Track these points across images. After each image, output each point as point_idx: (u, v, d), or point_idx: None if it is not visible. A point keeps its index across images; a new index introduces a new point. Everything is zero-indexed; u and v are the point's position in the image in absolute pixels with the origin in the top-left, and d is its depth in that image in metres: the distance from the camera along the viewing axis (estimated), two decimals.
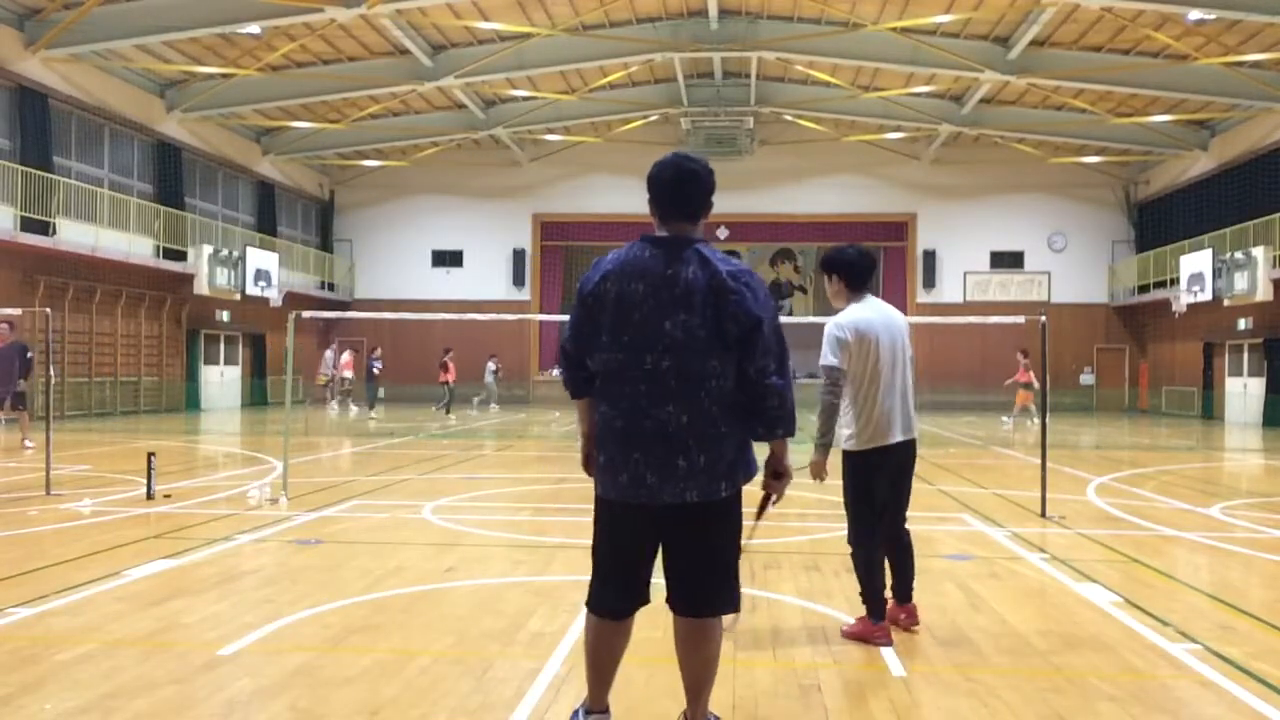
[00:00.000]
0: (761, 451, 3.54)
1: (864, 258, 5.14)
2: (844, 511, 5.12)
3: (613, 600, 3.51)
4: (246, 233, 29.52)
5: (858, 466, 5.03)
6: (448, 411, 25.60)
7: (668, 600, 3.51)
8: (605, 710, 3.61)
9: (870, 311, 5.02)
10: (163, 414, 25.07)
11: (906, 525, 5.30)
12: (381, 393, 26.69)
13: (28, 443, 14.85)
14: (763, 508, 3.68)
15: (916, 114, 29.28)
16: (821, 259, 5.24)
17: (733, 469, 3.40)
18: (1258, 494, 11.53)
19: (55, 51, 21.52)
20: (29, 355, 15.13)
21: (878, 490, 5.02)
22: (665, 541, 3.47)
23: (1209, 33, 22.08)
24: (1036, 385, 23.93)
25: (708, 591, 3.46)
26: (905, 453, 5.05)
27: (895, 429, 4.97)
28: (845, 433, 5.02)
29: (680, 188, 3.46)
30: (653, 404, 3.33)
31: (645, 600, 3.55)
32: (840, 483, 5.16)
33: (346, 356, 27.67)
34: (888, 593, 5.11)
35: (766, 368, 3.35)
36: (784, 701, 4.11)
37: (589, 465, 3.63)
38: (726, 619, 3.62)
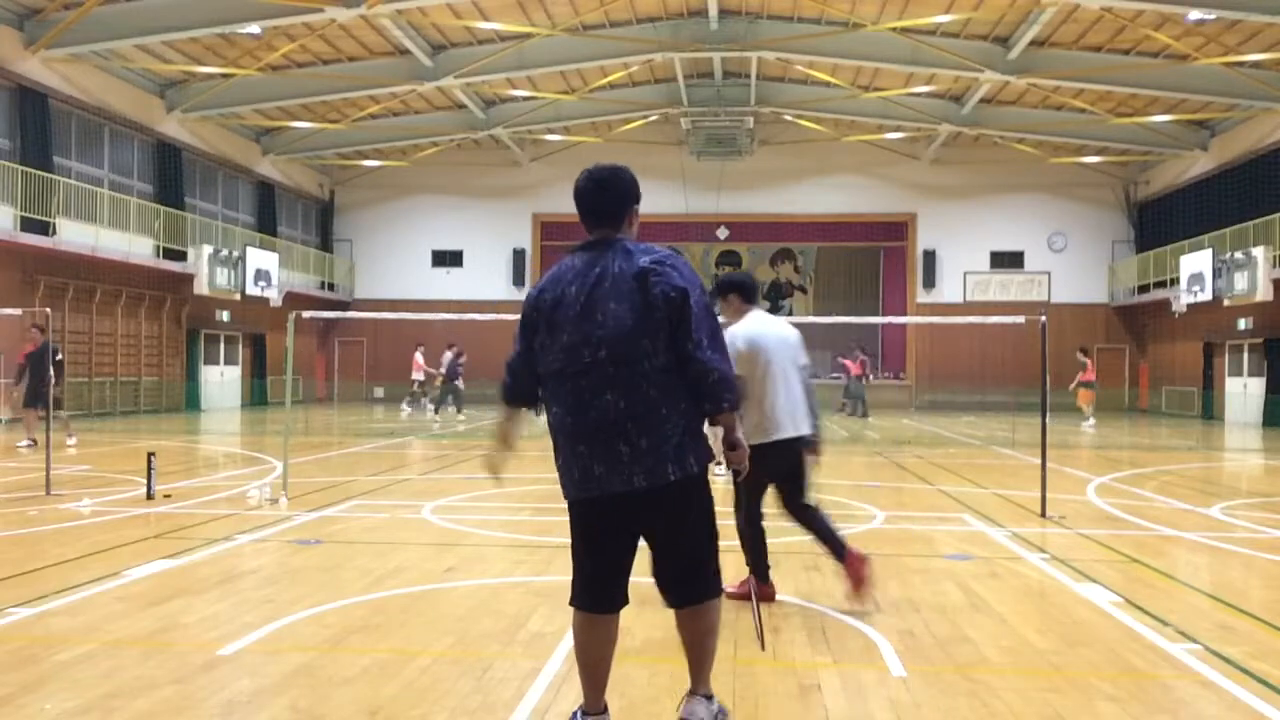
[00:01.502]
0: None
1: (752, 280, 6.07)
2: (832, 508, 5.26)
3: (590, 598, 3.61)
4: (246, 233, 29.51)
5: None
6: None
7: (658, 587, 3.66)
8: (603, 712, 3.66)
9: (759, 325, 5.75)
10: (163, 414, 25.07)
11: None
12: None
13: (22, 442, 15.02)
14: (736, 485, 3.82)
15: (916, 114, 29.27)
16: (718, 283, 5.90)
17: (680, 451, 3.47)
18: (1258, 494, 11.54)
19: (55, 51, 21.51)
20: (58, 358, 15.65)
21: (764, 479, 5.64)
22: (640, 534, 3.61)
23: (1209, 33, 22.08)
24: (1097, 385, 23.99)
25: (683, 582, 3.60)
26: (793, 448, 5.66)
27: (784, 427, 5.60)
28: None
29: (593, 197, 3.66)
30: (593, 395, 3.47)
31: (624, 600, 3.65)
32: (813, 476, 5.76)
33: (420, 357, 27.34)
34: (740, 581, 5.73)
35: (700, 341, 3.45)
36: (784, 701, 4.11)
37: (494, 466, 4.05)
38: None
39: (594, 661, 3.63)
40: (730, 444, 3.61)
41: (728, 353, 3.57)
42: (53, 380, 14.68)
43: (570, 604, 3.66)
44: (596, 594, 3.60)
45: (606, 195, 3.66)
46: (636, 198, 3.71)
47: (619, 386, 3.45)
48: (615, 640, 3.67)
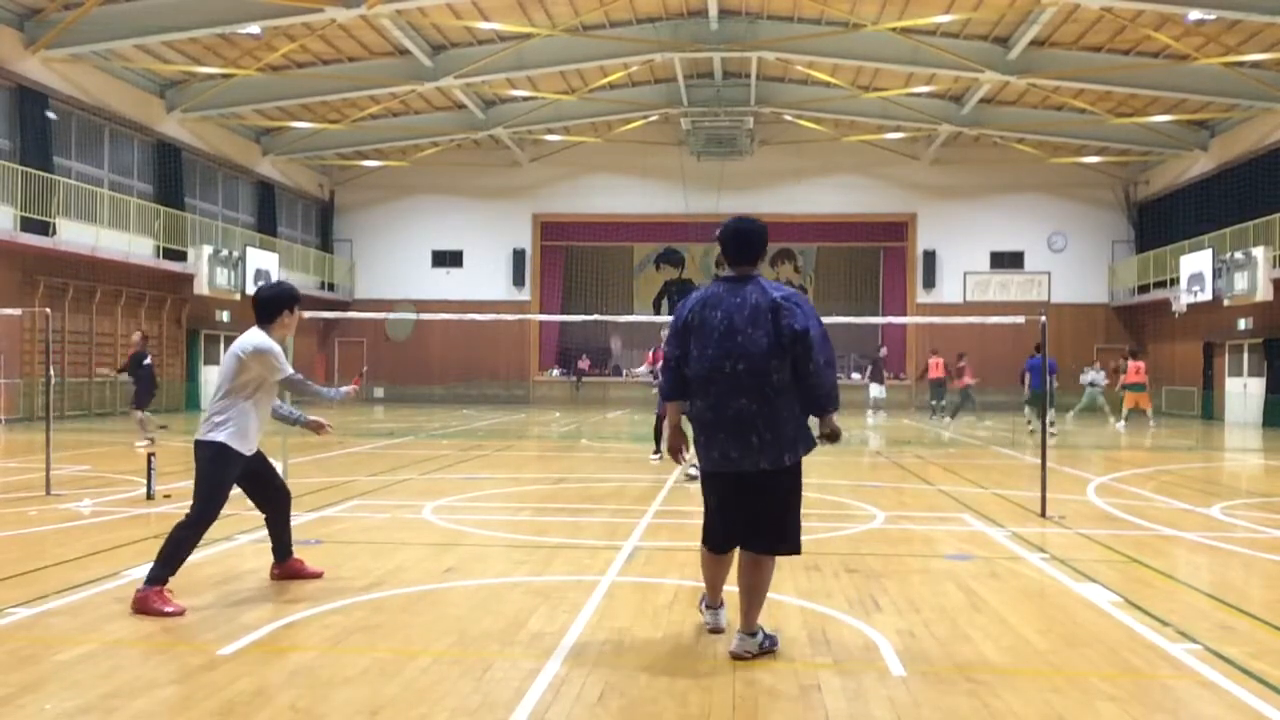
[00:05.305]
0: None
1: (262, 298, 6.07)
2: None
3: (718, 544, 4.80)
4: (246, 233, 29.51)
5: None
6: (951, 415, 24.92)
7: (739, 541, 4.71)
8: (721, 605, 5.04)
9: (248, 335, 5.97)
10: (163, 414, 25.03)
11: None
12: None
13: (140, 442, 15.26)
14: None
15: (916, 114, 29.27)
16: (259, 296, 6.09)
17: (794, 443, 4.59)
18: (1258, 494, 11.53)
19: (55, 51, 21.51)
20: (145, 363, 16.12)
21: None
22: (744, 499, 4.63)
23: (1209, 33, 22.08)
24: (1147, 385, 22.83)
25: (760, 535, 4.66)
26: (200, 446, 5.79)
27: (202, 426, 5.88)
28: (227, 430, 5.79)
29: (739, 242, 4.76)
30: (732, 397, 4.54)
31: (737, 542, 4.74)
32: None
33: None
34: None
35: (818, 363, 4.52)
36: (784, 701, 4.11)
37: (676, 453, 4.95)
38: None
39: (716, 580, 4.97)
40: (832, 432, 4.76)
41: (835, 366, 4.63)
42: (147, 383, 15.83)
43: (702, 542, 4.87)
44: (721, 541, 4.78)
45: (753, 240, 4.76)
46: (767, 243, 4.83)
47: (751, 392, 4.51)
48: (730, 565, 4.86)
